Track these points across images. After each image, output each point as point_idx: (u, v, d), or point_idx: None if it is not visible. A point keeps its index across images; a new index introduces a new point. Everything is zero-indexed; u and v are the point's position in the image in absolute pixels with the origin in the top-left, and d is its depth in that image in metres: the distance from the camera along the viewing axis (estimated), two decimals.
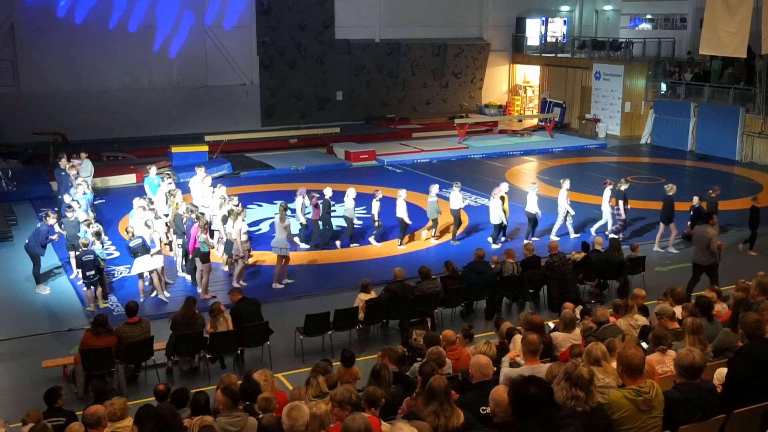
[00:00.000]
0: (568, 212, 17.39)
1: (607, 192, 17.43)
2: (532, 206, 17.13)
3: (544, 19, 36.11)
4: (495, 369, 6.62)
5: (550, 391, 4.57)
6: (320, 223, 16.82)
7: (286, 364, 11.54)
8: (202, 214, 14.73)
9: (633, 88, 31.65)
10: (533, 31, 36.16)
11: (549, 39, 36.25)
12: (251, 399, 7.37)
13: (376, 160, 26.72)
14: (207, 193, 16.94)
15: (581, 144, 30.36)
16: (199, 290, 14.22)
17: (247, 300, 11.91)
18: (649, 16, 34.21)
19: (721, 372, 6.32)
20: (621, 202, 17.13)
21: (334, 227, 17.39)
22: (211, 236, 15.02)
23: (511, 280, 13.63)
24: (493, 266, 13.75)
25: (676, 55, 31.87)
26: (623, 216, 17.21)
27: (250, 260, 15.75)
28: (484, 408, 5.51)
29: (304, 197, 16.65)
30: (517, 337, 8.58)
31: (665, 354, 7.19)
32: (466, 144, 29.44)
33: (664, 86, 30.81)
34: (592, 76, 32.88)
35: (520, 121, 35.26)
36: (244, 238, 14.84)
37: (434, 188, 17.34)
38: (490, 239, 17.36)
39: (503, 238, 17.41)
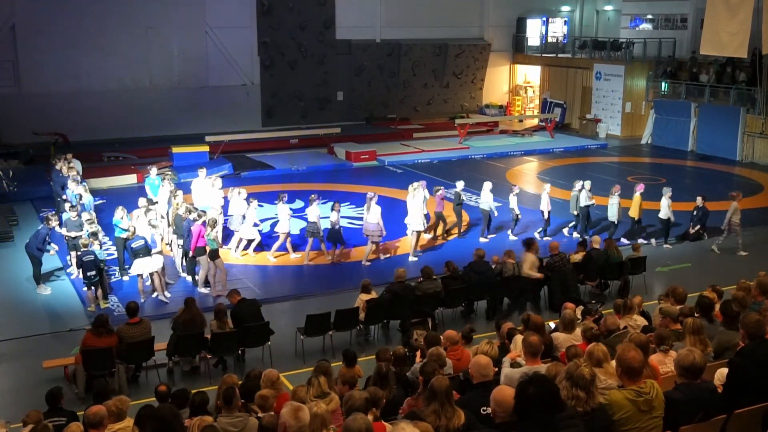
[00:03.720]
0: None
1: (734, 204, 16.89)
2: (665, 211, 17.12)
3: (544, 19, 36.10)
4: (496, 369, 6.61)
5: (552, 392, 4.54)
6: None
7: (287, 364, 11.54)
8: (204, 212, 14.76)
9: (634, 88, 31.65)
10: (534, 31, 36.15)
11: (550, 39, 36.25)
12: (252, 398, 7.38)
13: (376, 161, 26.72)
14: (216, 195, 16.93)
15: (582, 144, 30.36)
16: (201, 290, 14.28)
17: (247, 301, 11.92)
18: (649, 17, 34.22)
19: (722, 372, 6.32)
20: None
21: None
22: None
23: (511, 281, 13.64)
24: (493, 266, 13.75)
25: (677, 56, 31.90)
26: None
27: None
28: (485, 408, 5.51)
29: (425, 189, 16.99)
30: (518, 338, 8.58)
31: (667, 354, 7.19)
32: (466, 144, 29.45)
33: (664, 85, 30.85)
34: (593, 77, 32.88)
35: (521, 121, 35.26)
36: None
37: (578, 183, 17.55)
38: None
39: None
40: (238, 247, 16.41)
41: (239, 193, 16.48)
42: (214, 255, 14.05)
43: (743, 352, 6.13)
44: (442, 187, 17.76)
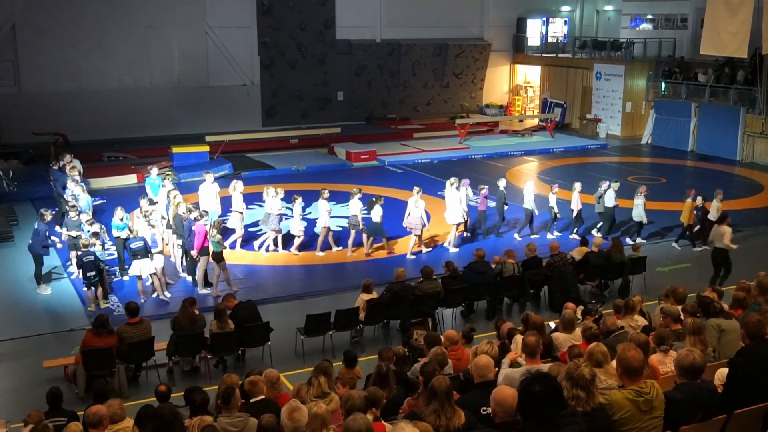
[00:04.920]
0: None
1: None
2: (714, 213, 16.92)
3: (544, 19, 36.12)
4: (496, 370, 6.61)
5: (556, 390, 4.54)
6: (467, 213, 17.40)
7: (287, 364, 11.54)
8: (206, 212, 14.75)
9: (634, 88, 31.65)
10: (534, 31, 36.16)
11: (550, 39, 36.27)
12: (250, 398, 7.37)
13: (377, 161, 26.71)
14: (237, 198, 16.76)
15: (582, 144, 30.36)
16: (201, 290, 14.27)
17: (243, 304, 11.89)
18: (649, 16, 34.22)
19: (722, 372, 6.32)
20: None
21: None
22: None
23: (511, 281, 13.64)
24: (493, 266, 13.75)
25: (677, 56, 31.89)
26: None
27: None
28: (485, 408, 5.51)
29: (467, 188, 17.21)
30: (518, 338, 8.58)
31: (667, 354, 7.19)
32: (467, 144, 29.44)
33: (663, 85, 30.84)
34: (593, 77, 32.88)
35: (521, 121, 35.27)
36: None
37: (604, 183, 17.54)
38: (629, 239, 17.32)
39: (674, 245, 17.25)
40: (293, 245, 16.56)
41: (276, 192, 16.41)
42: (217, 257, 14.03)
43: (743, 352, 6.13)
44: (486, 187, 17.73)
